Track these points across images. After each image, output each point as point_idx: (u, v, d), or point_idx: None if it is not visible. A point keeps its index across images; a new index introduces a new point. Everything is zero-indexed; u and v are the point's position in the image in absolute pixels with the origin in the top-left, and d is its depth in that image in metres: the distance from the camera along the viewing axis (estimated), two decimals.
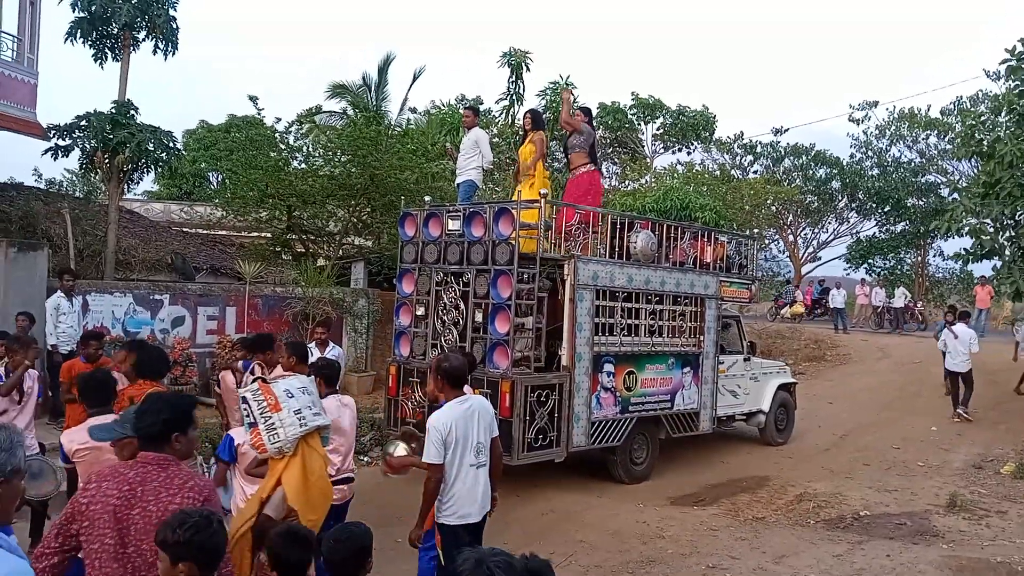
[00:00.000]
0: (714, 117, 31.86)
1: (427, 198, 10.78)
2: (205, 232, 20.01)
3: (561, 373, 8.55)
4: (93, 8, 13.98)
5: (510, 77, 20.67)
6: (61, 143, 13.83)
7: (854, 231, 36.75)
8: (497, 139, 20.26)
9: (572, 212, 9.31)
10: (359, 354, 14.73)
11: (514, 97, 20.94)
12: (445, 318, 8.96)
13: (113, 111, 13.88)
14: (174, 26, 14.77)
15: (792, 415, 12.33)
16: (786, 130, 34.77)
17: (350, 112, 20.97)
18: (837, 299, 24.50)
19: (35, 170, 30.88)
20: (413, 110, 24.73)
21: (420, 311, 9.24)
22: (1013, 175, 11.85)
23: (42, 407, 6.73)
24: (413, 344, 9.29)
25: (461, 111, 18.81)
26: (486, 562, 2.32)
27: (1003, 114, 13.62)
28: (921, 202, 33.34)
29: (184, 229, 19.81)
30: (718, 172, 33.50)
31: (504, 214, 8.50)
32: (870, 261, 35.25)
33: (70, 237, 13.65)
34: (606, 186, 11.81)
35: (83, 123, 13.72)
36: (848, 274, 35.29)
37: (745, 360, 11.53)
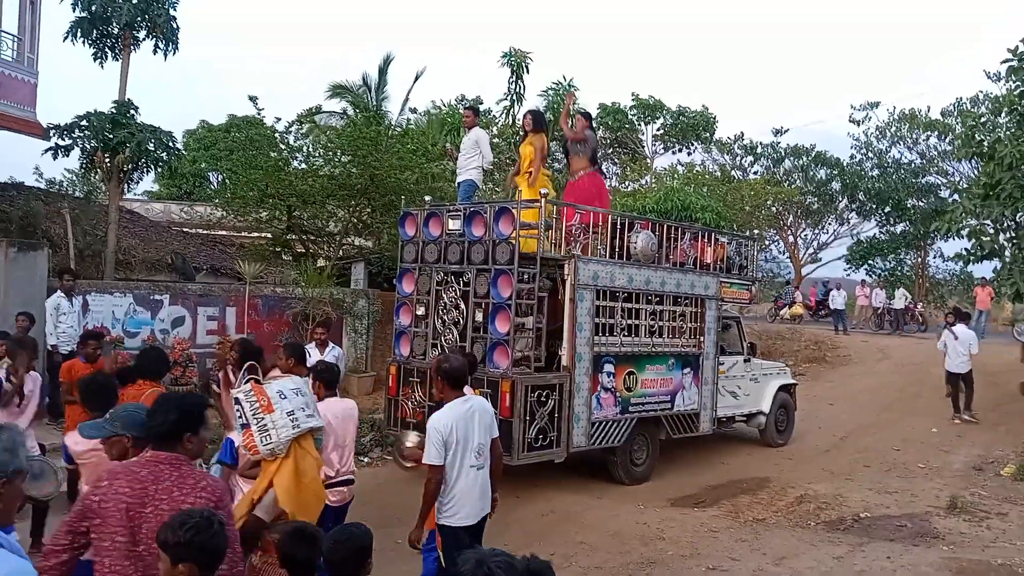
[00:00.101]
0: (714, 118, 31.91)
1: (427, 198, 10.77)
2: (205, 232, 20.01)
3: (561, 373, 8.54)
4: (93, 8, 13.98)
5: (510, 77, 20.67)
6: (61, 143, 13.83)
7: (854, 232, 36.77)
8: (497, 139, 20.25)
9: (572, 213, 9.30)
10: (359, 354, 14.73)
11: (514, 97, 20.93)
12: (445, 318, 8.95)
13: (113, 111, 13.88)
14: (174, 26, 14.77)
15: (792, 416, 12.32)
16: (786, 131, 34.83)
17: (350, 112, 20.98)
18: (837, 300, 24.49)
19: (36, 168, 30.88)
20: (413, 110, 24.73)
21: (420, 311, 9.23)
22: (1014, 176, 11.84)
23: (42, 409, 6.71)
24: (413, 344, 9.28)
25: (461, 111, 18.82)
26: (487, 563, 2.31)
27: (1003, 115, 13.63)
28: (921, 203, 33.35)
29: (184, 229, 19.81)
30: (718, 173, 33.52)
31: (504, 214, 8.49)
32: (870, 262, 35.25)
33: (70, 237, 13.64)
34: (606, 185, 11.84)
35: (83, 123, 13.71)
36: (848, 275, 35.31)
37: (745, 361, 11.52)
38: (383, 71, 21.89)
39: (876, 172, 34.22)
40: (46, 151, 13.92)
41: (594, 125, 11.60)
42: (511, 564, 2.34)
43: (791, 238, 37.25)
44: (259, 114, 18.85)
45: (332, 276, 15.39)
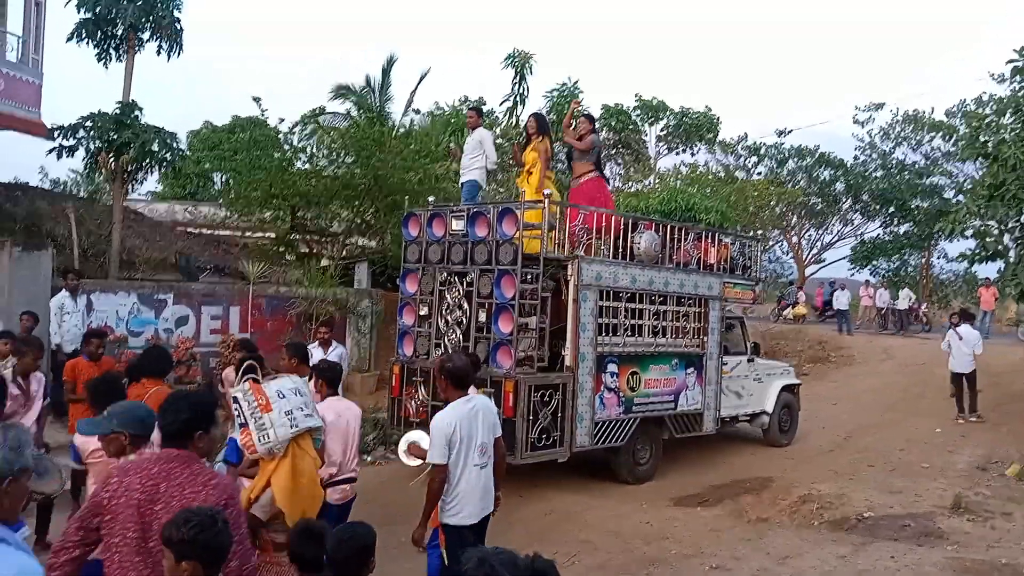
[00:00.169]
0: (717, 118, 31.85)
1: (431, 198, 10.78)
2: (209, 232, 20.03)
3: (564, 373, 8.54)
4: (98, 9, 14.03)
5: (514, 78, 20.66)
6: (66, 143, 13.88)
7: (858, 233, 36.72)
8: (501, 140, 20.25)
9: (576, 215, 9.30)
10: (363, 354, 14.75)
11: (518, 98, 20.93)
12: (449, 318, 8.96)
13: (117, 111, 13.92)
14: (178, 27, 14.82)
15: (796, 416, 12.31)
16: (790, 131, 34.77)
17: (354, 113, 20.99)
18: (841, 300, 24.45)
19: (41, 168, 30.94)
20: (417, 111, 24.73)
21: (424, 311, 9.24)
22: (1018, 177, 11.82)
23: (47, 409, 6.72)
24: (417, 344, 9.29)
25: (464, 112, 18.84)
26: (489, 560, 2.32)
27: (1007, 116, 13.60)
28: (925, 204, 33.29)
29: (188, 229, 19.83)
30: (722, 173, 33.49)
31: (508, 214, 8.50)
32: (874, 263, 35.21)
33: (74, 237, 13.68)
34: (609, 188, 11.82)
35: (88, 123, 13.76)
36: (852, 275, 35.28)
37: (749, 361, 11.51)
38: (386, 72, 21.88)
39: (880, 173, 34.17)
40: (51, 151, 13.98)
41: (597, 127, 11.60)
42: (514, 563, 2.35)
43: (795, 239, 37.20)
44: (263, 115, 18.89)
45: (336, 276, 15.41)
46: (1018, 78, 12.54)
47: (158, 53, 14.94)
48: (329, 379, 5.80)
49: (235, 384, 4.85)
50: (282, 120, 18.33)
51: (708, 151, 34.55)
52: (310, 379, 6.00)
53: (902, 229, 34.90)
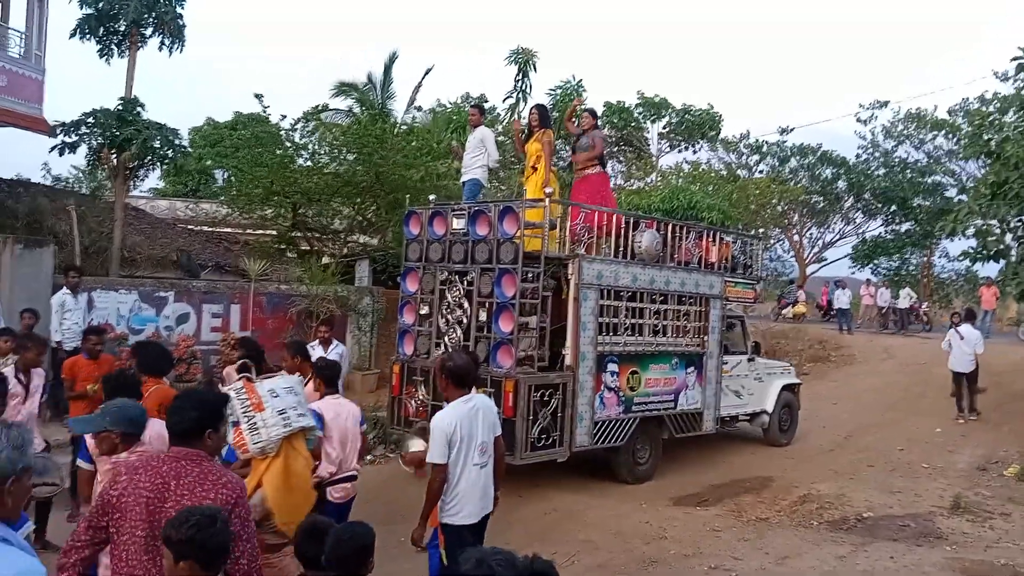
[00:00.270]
0: (720, 116, 31.84)
1: (432, 196, 10.78)
2: (210, 229, 20.03)
3: (565, 373, 8.54)
4: (100, 5, 14.02)
5: (517, 75, 20.64)
6: (68, 140, 13.88)
7: (859, 231, 36.70)
8: (503, 138, 20.24)
9: (577, 213, 9.30)
10: (363, 352, 14.75)
11: (520, 96, 20.91)
12: (449, 317, 8.96)
13: (120, 108, 13.92)
14: (181, 23, 14.81)
15: (796, 416, 12.31)
16: (792, 129, 34.76)
17: (356, 110, 20.99)
18: (842, 299, 24.43)
19: (44, 165, 30.94)
20: (419, 108, 24.72)
21: (424, 310, 9.24)
22: (1021, 175, 11.79)
23: (47, 405, 6.73)
24: (417, 343, 9.29)
25: (467, 110, 18.81)
26: (488, 561, 2.32)
27: (1010, 114, 13.59)
28: (927, 202, 33.27)
29: (189, 226, 19.84)
30: (724, 172, 33.47)
31: (509, 213, 8.49)
32: (875, 261, 35.19)
33: (76, 234, 13.69)
34: (611, 185, 11.80)
35: (90, 120, 13.76)
36: (853, 274, 35.29)
37: (749, 360, 11.51)
38: (388, 69, 21.88)
39: (882, 171, 34.14)
40: (53, 148, 13.98)
41: (599, 124, 11.61)
42: (512, 563, 2.35)
43: (796, 237, 37.18)
44: (264, 112, 18.88)
45: (336, 274, 15.42)
46: (1022, 75, 12.51)
47: (160, 49, 14.95)
48: (328, 377, 5.80)
49: (228, 382, 4.85)
50: (284, 117, 18.37)
51: (710, 149, 34.56)
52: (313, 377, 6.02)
53: (903, 228, 34.89)
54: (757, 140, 35.34)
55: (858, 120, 34.35)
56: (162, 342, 11.46)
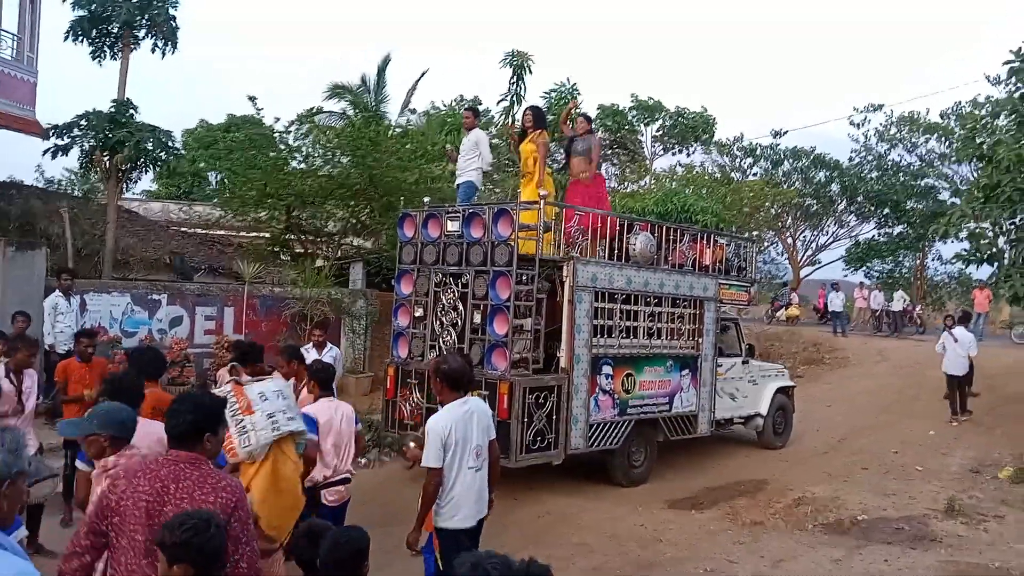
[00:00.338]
0: (713, 119, 31.91)
1: (426, 199, 10.77)
2: (203, 232, 19.97)
3: (559, 375, 8.53)
4: (93, 6, 13.97)
5: (511, 78, 20.64)
6: (60, 143, 13.82)
7: (853, 234, 36.82)
8: (497, 140, 20.23)
9: (572, 214, 9.30)
10: (357, 355, 14.72)
11: (515, 98, 20.92)
12: (443, 319, 8.95)
13: (112, 110, 13.87)
14: (174, 25, 14.77)
15: (790, 418, 12.32)
16: (785, 132, 34.87)
17: (350, 113, 20.95)
18: (835, 302, 24.49)
19: (38, 167, 30.87)
20: (413, 111, 24.71)
21: (419, 312, 9.22)
22: (1013, 179, 11.84)
23: (41, 408, 6.68)
24: (411, 345, 9.27)
25: (461, 112, 18.80)
26: (483, 565, 2.31)
27: (1002, 117, 13.63)
28: (920, 205, 33.40)
29: (182, 229, 19.78)
30: (718, 174, 33.53)
31: (503, 215, 8.49)
32: (868, 264, 35.30)
33: (68, 236, 13.63)
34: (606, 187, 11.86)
35: (82, 122, 13.71)
36: (846, 276, 35.41)
37: (743, 363, 11.52)
38: (382, 71, 21.86)
39: (875, 174, 34.27)
40: (46, 152, 13.93)
41: (593, 127, 11.64)
42: (508, 567, 2.33)
43: (790, 240, 37.28)
44: (258, 114, 18.84)
45: (330, 276, 15.38)
46: (1014, 79, 12.57)
47: (153, 51, 14.90)
48: (322, 380, 5.79)
49: (218, 385, 4.82)
50: (278, 119, 18.29)
51: (704, 152, 34.62)
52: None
53: (896, 231, 35.01)
54: (751, 143, 35.44)
55: (851, 123, 34.51)
56: (155, 345, 11.42)
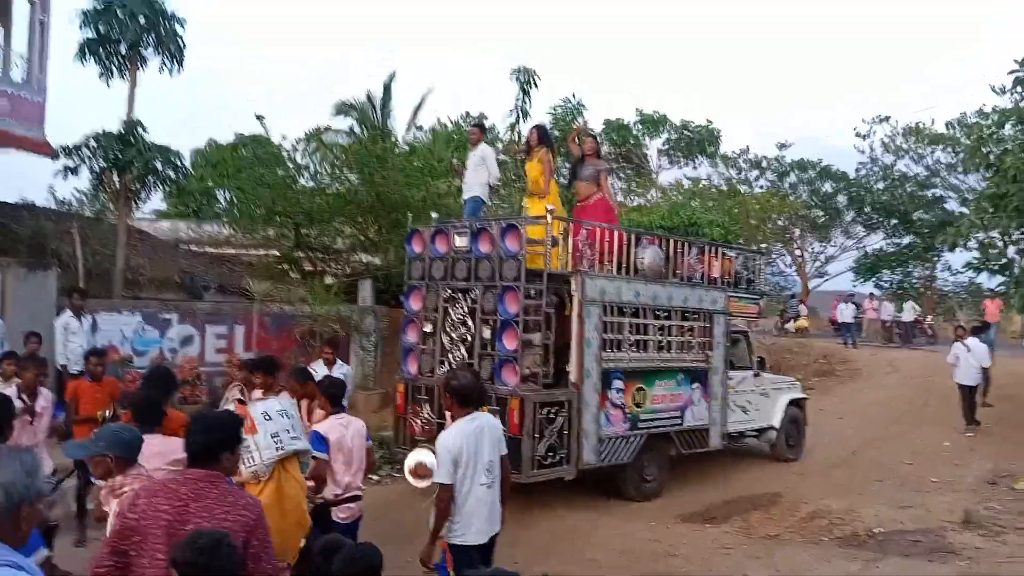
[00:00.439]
0: (719, 132, 31.98)
1: (434, 215, 10.79)
2: (213, 250, 20.05)
3: (570, 390, 8.50)
4: (100, 27, 14.10)
5: (518, 94, 20.73)
6: (70, 164, 13.92)
7: (861, 245, 36.73)
8: (503, 156, 20.28)
9: (579, 229, 9.30)
10: (367, 371, 14.71)
11: (520, 114, 21.00)
12: (453, 335, 8.93)
13: (121, 130, 13.98)
14: (181, 43, 14.89)
15: (803, 431, 12.23)
16: (791, 144, 34.91)
17: (357, 130, 21.05)
18: (846, 314, 24.40)
19: (50, 188, 31.07)
20: (419, 128, 24.82)
21: (428, 328, 9.22)
22: (1021, 188, 11.80)
23: (56, 428, 6.67)
24: (421, 361, 9.26)
25: (467, 128, 18.89)
26: None
27: (1008, 127, 13.61)
28: (928, 215, 33.31)
29: (192, 247, 19.87)
30: (724, 187, 33.56)
31: (511, 230, 8.49)
32: (878, 275, 35.21)
33: (79, 256, 13.70)
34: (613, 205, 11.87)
35: (92, 142, 13.82)
36: (855, 287, 35.33)
37: (755, 376, 11.45)
38: (387, 88, 21.98)
39: (882, 185, 34.22)
40: (56, 173, 14.04)
41: (599, 141, 11.71)
42: None
43: (798, 251, 37.22)
44: (266, 132, 18.96)
45: (340, 293, 15.41)
46: (1019, 88, 12.55)
47: (161, 70, 15.01)
48: (332, 396, 5.76)
49: (222, 404, 4.83)
50: (285, 137, 18.43)
51: (710, 164, 34.67)
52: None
53: (905, 241, 34.91)
54: (756, 155, 35.49)
55: (857, 135, 34.50)
56: (167, 364, 11.45)
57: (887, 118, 33.71)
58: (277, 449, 4.39)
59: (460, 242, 8.96)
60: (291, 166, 17.58)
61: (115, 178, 14.49)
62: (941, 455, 12.19)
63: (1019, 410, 14.88)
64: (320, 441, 5.34)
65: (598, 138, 11.20)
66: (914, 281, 36.11)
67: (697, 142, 31.63)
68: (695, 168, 33.52)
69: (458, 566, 4.63)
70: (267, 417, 4.49)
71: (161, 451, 3.98)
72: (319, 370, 8.59)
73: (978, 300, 28.89)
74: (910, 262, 35.31)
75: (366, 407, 13.52)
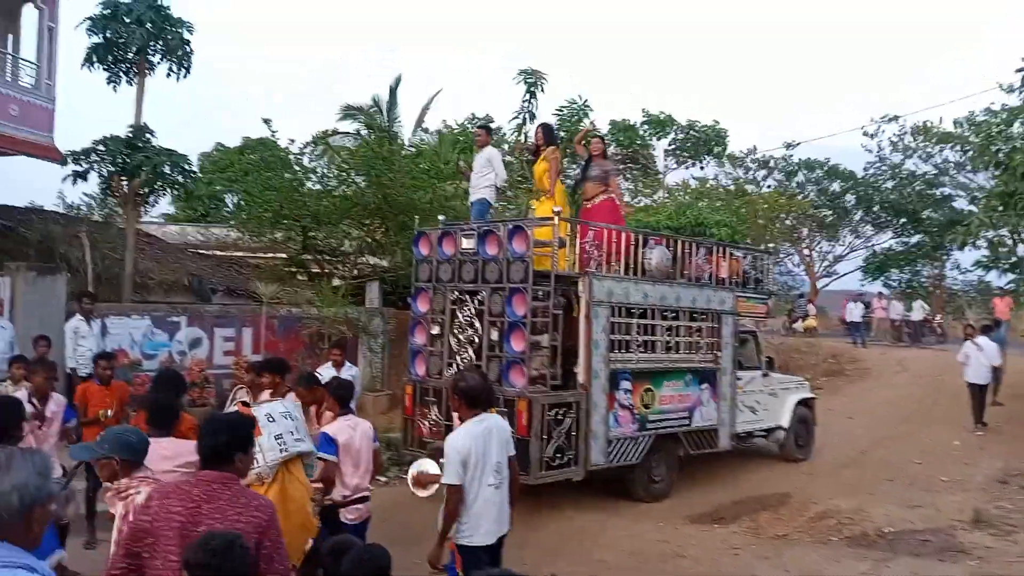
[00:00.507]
0: (725, 132, 31.88)
1: (441, 217, 10.80)
2: (221, 253, 20.14)
3: (578, 391, 8.50)
4: (108, 33, 14.17)
5: (524, 96, 20.74)
6: (79, 168, 13.99)
7: (869, 244, 36.60)
8: (509, 157, 20.29)
9: (586, 230, 9.30)
10: (375, 373, 14.73)
11: (527, 116, 21.03)
12: (460, 337, 8.94)
13: (129, 135, 14.04)
14: (188, 49, 14.95)
15: (812, 431, 12.19)
16: (797, 144, 34.79)
17: (363, 133, 21.11)
18: (854, 313, 24.31)
19: (60, 194, 31.23)
20: (425, 130, 24.87)
21: (435, 330, 9.23)
22: None
23: (66, 432, 6.69)
24: (429, 363, 9.27)
25: (473, 130, 18.91)
26: None
27: (1017, 124, 13.56)
28: (937, 214, 33.18)
29: (200, 251, 19.95)
30: (732, 187, 33.49)
31: (518, 232, 8.50)
32: (887, 274, 35.08)
33: (88, 260, 13.76)
34: (620, 205, 11.83)
35: (100, 147, 13.89)
36: (863, 286, 35.23)
37: (763, 376, 11.42)
38: (393, 91, 22.05)
39: (890, 184, 34.09)
40: (65, 178, 14.12)
41: (605, 141, 11.71)
42: None
43: (806, 251, 37.11)
44: (273, 135, 19.02)
45: (347, 296, 15.44)
46: None
47: (168, 75, 15.08)
48: (340, 397, 5.77)
49: (227, 407, 4.85)
50: (292, 141, 18.50)
51: (717, 165, 34.58)
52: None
53: (914, 240, 34.78)
54: (763, 155, 35.42)
55: (865, 134, 34.39)
56: (175, 367, 11.49)
57: (896, 117, 33.59)
58: (281, 451, 4.40)
59: (467, 244, 8.97)
60: (298, 169, 17.64)
61: (123, 182, 14.54)
62: (951, 454, 12.13)
63: None
64: (329, 443, 5.36)
65: (604, 139, 11.18)
66: (923, 280, 35.97)
67: (704, 142, 31.54)
68: (702, 168, 33.44)
69: (466, 567, 4.64)
70: (271, 419, 4.51)
71: (174, 453, 4.01)
72: (328, 372, 8.62)
73: (987, 298, 28.76)
74: (919, 261, 35.17)
75: (374, 409, 13.54)
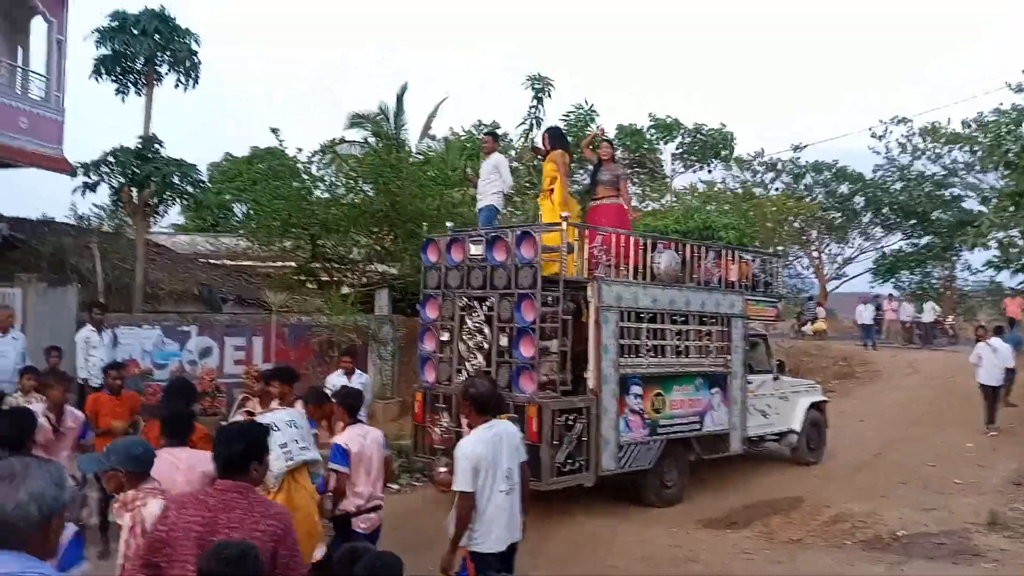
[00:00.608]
0: (732, 135, 31.85)
1: (449, 224, 10.82)
2: (231, 263, 20.20)
3: (588, 396, 8.49)
4: (115, 45, 14.25)
5: (531, 101, 20.78)
6: (88, 180, 14.06)
7: (879, 246, 36.46)
8: (516, 163, 20.31)
9: (594, 236, 9.30)
10: (385, 381, 14.75)
11: (534, 121, 21.06)
12: (470, 343, 8.94)
13: (139, 146, 14.11)
14: (196, 59, 15.02)
15: (824, 434, 12.14)
16: (805, 146, 34.72)
17: (371, 141, 21.16)
18: (864, 315, 24.20)
19: (72, 205, 31.39)
20: (433, 137, 24.93)
21: (445, 336, 9.23)
22: None
23: (83, 447, 6.70)
24: (438, 369, 9.28)
25: (480, 137, 18.93)
26: None
27: None
28: (946, 215, 33.03)
29: (210, 260, 20.01)
30: (739, 190, 33.43)
31: (526, 238, 8.50)
32: (897, 276, 34.93)
33: (99, 271, 13.83)
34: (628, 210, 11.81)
35: (110, 159, 13.95)
36: (873, 288, 35.09)
37: (774, 379, 11.38)
38: (400, 99, 22.10)
39: (899, 185, 33.97)
40: (75, 189, 14.19)
41: (616, 157, 11.77)
42: None
43: (815, 254, 36.99)
44: (281, 144, 19.07)
45: (356, 303, 15.46)
46: None
47: (176, 86, 15.14)
48: (349, 406, 5.74)
49: (230, 416, 4.86)
50: (300, 150, 18.53)
51: (724, 168, 34.53)
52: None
53: (923, 241, 34.62)
54: (771, 158, 35.34)
55: (873, 135, 34.28)
56: (186, 376, 11.52)
57: (904, 119, 33.50)
58: (286, 460, 4.41)
59: (475, 250, 8.98)
60: (306, 178, 17.69)
61: (133, 193, 14.62)
62: (964, 456, 12.06)
63: None
64: (341, 454, 5.33)
65: (612, 143, 11.20)
66: (933, 281, 35.81)
67: (711, 146, 31.52)
68: (709, 172, 33.41)
69: (479, 574, 4.64)
70: (275, 428, 4.51)
71: (189, 464, 4.01)
72: (339, 380, 8.63)
73: (998, 299, 28.61)
74: (929, 262, 35.01)
75: (384, 416, 13.55)
